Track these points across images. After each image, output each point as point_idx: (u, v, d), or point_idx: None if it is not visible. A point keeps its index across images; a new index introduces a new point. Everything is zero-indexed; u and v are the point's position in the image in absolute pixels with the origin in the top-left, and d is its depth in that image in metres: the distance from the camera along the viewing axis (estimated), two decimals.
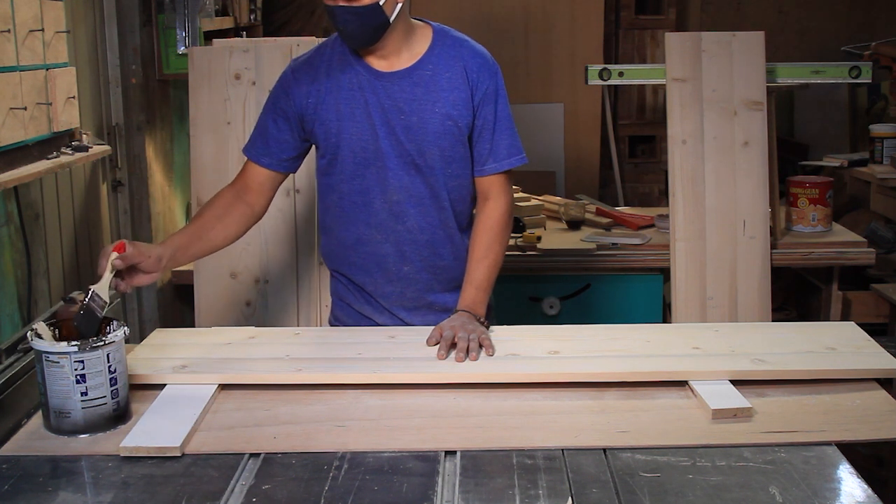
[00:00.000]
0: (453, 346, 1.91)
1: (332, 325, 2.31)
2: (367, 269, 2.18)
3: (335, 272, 2.26)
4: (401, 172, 2.09)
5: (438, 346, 1.91)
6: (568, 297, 3.49)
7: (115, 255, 1.80)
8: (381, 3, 1.95)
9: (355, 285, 2.22)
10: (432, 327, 2.02)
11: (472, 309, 2.07)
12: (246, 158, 2.17)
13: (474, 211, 2.22)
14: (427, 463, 1.54)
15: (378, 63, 2.07)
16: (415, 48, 2.08)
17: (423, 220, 2.12)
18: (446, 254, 2.17)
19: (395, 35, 2.03)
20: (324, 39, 2.20)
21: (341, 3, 1.94)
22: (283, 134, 2.12)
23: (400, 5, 2.00)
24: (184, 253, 2.01)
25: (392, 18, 1.99)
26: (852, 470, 1.50)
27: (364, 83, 2.06)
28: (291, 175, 2.23)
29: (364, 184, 2.11)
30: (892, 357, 1.88)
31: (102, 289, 1.77)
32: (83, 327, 1.71)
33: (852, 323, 2.12)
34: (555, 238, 3.51)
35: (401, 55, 2.07)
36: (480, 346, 1.91)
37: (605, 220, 3.72)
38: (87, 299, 1.73)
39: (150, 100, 3.52)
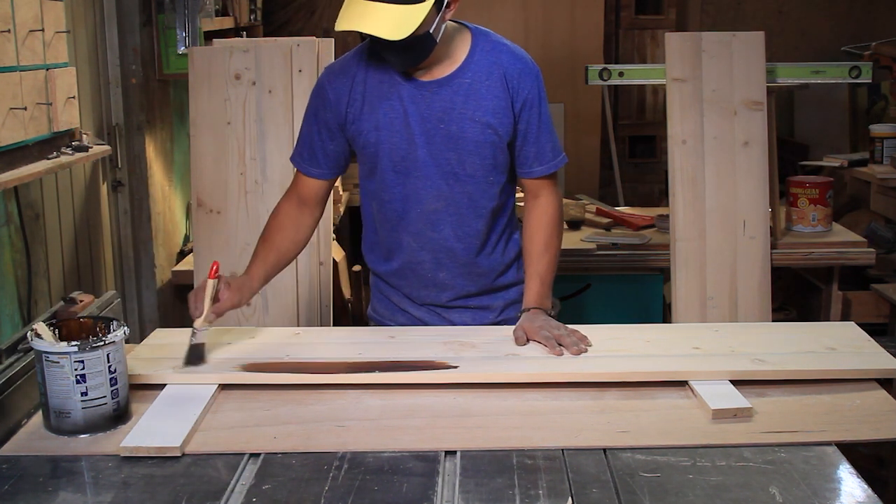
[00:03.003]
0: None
1: (370, 318, 2.32)
2: (404, 274, 2.18)
3: (374, 271, 2.26)
4: (439, 181, 2.07)
5: (547, 347, 1.93)
6: (568, 297, 3.50)
7: (211, 283, 1.90)
8: (430, 30, 1.91)
9: (392, 287, 2.23)
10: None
11: (542, 304, 2.08)
12: (294, 168, 2.17)
13: (519, 213, 2.22)
14: (427, 463, 1.54)
15: (417, 72, 2.03)
16: (454, 55, 2.04)
17: (459, 228, 2.11)
18: (483, 261, 2.16)
19: (438, 47, 1.99)
20: (358, 45, 2.13)
21: (388, 40, 1.86)
22: (327, 144, 2.10)
23: (445, 24, 1.96)
24: (259, 279, 2.08)
25: (439, 37, 1.96)
26: (852, 470, 1.50)
27: (403, 93, 2.03)
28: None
29: (403, 192, 2.09)
30: (892, 357, 1.88)
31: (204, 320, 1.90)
32: (193, 361, 1.86)
33: (852, 323, 2.12)
34: None
35: (441, 63, 2.02)
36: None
37: (605, 220, 3.72)
38: (192, 339, 1.87)
39: (150, 100, 3.52)
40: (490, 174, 2.09)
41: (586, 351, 1.92)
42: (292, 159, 2.18)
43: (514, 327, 2.04)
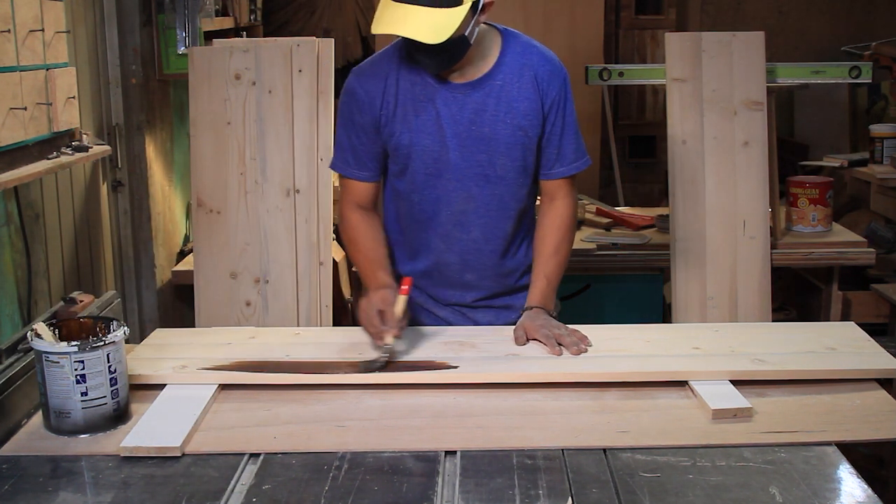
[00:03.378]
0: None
1: None
2: (430, 275, 2.18)
3: (396, 271, 2.25)
4: (470, 183, 2.07)
5: (547, 346, 1.94)
6: (568, 297, 3.49)
7: (402, 299, 1.94)
8: (465, 33, 1.91)
9: (416, 288, 2.21)
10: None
11: (544, 304, 2.09)
12: (339, 175, 2.16)
13: (535, 211, 2.22)
14: (427, 463, 1.54)
15: (449, 74, 2.02)
16: (486, 57, 2.04)
17: (488, 230, 2.12)
18: (508, 261, 2.17)
19: (470, 49, 1.99)
20: (389, 44, 2.12)
21: (426, 43, 1.85)
22: (369, 147, 2.10)
23: (479, 27, 1.95)
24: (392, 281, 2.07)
25: (473, 39, 1.95)
26: (852, 470, 1.50)
27: (435, 95, 2.03)
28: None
29: (434, 194, 2.09)
30: (892, 357, 1.88)
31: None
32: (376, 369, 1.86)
33: (852, 323, 2.12)
34: None
35: (473, 64, 2.03)
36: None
37: (605, 220, 3.72)
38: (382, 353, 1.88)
39: (150, 100, 3.52)
40: (520, 176, 2.09)
41: (586, 351, 1.92)
42: (335, 168, 2.17)
43: (514, 327, 2.04)
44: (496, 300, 2.21)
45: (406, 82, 2.04)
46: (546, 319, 2.03)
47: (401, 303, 1.93)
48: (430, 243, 2.14)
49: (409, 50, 1.98)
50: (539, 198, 2.20)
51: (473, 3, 1.88)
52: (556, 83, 2.06)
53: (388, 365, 1.86)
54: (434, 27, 1.84)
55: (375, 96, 2.05)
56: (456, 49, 1.94)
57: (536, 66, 2.05)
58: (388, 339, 1.87)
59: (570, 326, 2.00)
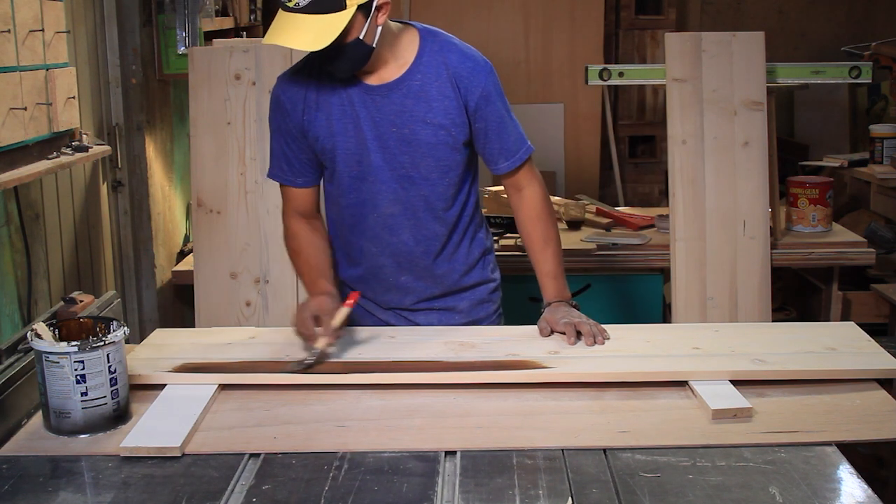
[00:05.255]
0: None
1: None
2: (367, 279, 2.18)
3: (340, 277, 2.26)
4: (394, 185, 2.07)
5: (567, 333, 1.97)
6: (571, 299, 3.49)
7: (345, 311, 1.94)
8: (361, 37, 1.90)
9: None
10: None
11: (561, 297, 2.10)
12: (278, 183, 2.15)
13: (477, 210, 2.21)
14: (427, 463, 1.54)
15: (366, 77, 2.02)
16: (402, 57, 2.02)
17: (418, 231, 2.11)
18: (443, 262, 2.16)
19: (379, 52, 1.97)
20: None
21: (305, 50, 1.87)
22: (298, 153, 2.10)
23: (381, 27, 1.94)
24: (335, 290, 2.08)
25: (375, 43, 1.94)
26: (852, 470, 1.49)
27: (354, 98, 2.02)
28: None
29: (359, 197, 2.09)
30: (892, 357, 1.88)
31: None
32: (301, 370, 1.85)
33: (852, 323, 2.12)
34: None
35: (388, 66, 2.01)
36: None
37: (605, 220, 3.72)
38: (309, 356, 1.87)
39: (150, 100, 3.52)
40: (445, 176, 2.08)
41: (602, 343, 1.95)
42: (271, 176, 2.15)
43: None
44: (437, 301, 2.20)
45: (327, 86, 2.03)
46: (567, 311, 2.05)
47: (341, 314, 1.93)
48: (363, 247, 2.14)
49: (314, 56, 1.97)
50: (507, 194, 2.19)
51: (362, 6, 1.86)
52: (478, 80, 2.03)
53: (321, 365, 1.86)
54: (316, 34, 1.83)
55: (297, 101, 2.05)
56: (354, 53, 1.92)
57: (454, 65, 2.03)
58: (320, 343, 1.87)
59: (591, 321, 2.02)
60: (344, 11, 1.84)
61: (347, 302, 1.98)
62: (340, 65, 1.95)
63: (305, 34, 1.84)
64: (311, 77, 2.04)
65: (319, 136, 2.05)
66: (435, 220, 2.11)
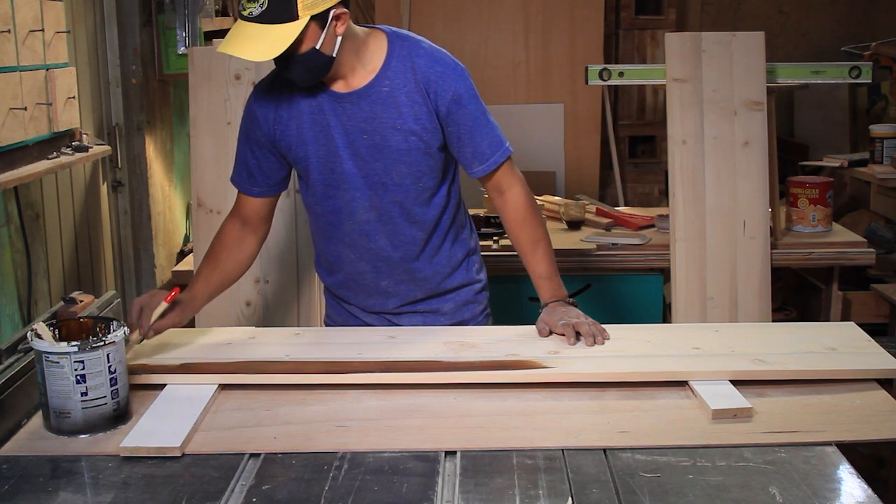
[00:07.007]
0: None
1: (326, 325, 2.32)
2: (348, 285, 2.19)
3: (323, 283, 2.29)
4: (368, 192, 2.06)
5: (566, 334, 1.96)
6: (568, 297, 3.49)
7: (163, 307, 1.93)
8: (317, 47, 1.88)
9: (340, 300, 2.25)
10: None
11: (558, 296, 2.10)
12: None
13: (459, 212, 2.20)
14: (427, 463, 1.54)
15: (335, 84, 2.01)
16: (370, 63, 2.00)
17: (394, 237, 2.11)
18: (423, 266, 2.15)
19: (345, 59, 1.96)
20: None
21: (252, 60, 1.86)
22: (263, 162, 2.10)
23: (340, 37, 1.92)
24: (202, 298, 2.08)
25: (335, 52, 1.92)
26: (852, 470, 1.49)
27: (325, 106, 2.02)
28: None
29: (334, 205, 2.09)
30: (892, 357, 1.88)
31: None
32: None
33: (852, 323, 2.12)
34: (555, 238, 3.46)
35: (356, 72, 2.00)
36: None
37: (605, 221, 3.72)
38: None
39: (150, 100, 3.52)
40: (419, 181, 2.07)
41: (602, 343, 1.94)
42: (232, 180, 2.16)
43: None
44: (420, 304, 2.19)
45: (298, 96, 2.03)
46: (565, 310, 2.04)
47: (158, 310, 1.94)
48: (341, 254, 2.14)
49: (278, 70, 1.97)
50: (490, 196, 2.18)
51: (316, 16, 1.85)
52: (447, 84, 2.01)
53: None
54: (268, 44, 1.83)
55: (269, 111, 2.05)
56: (312, 63, 1.91)
57: (424, 70, 2.00)
58: (134, 336, 1.89)
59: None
60: (296, 22, 1.83)
61: (167, 298, 1.97)
62: (298, 75, 1.94)
63: (257, 44, 1.83)
64: (284, 86, 2.04)
65: (292, 146, 2.05)
66: (411, 224, 2.10)
